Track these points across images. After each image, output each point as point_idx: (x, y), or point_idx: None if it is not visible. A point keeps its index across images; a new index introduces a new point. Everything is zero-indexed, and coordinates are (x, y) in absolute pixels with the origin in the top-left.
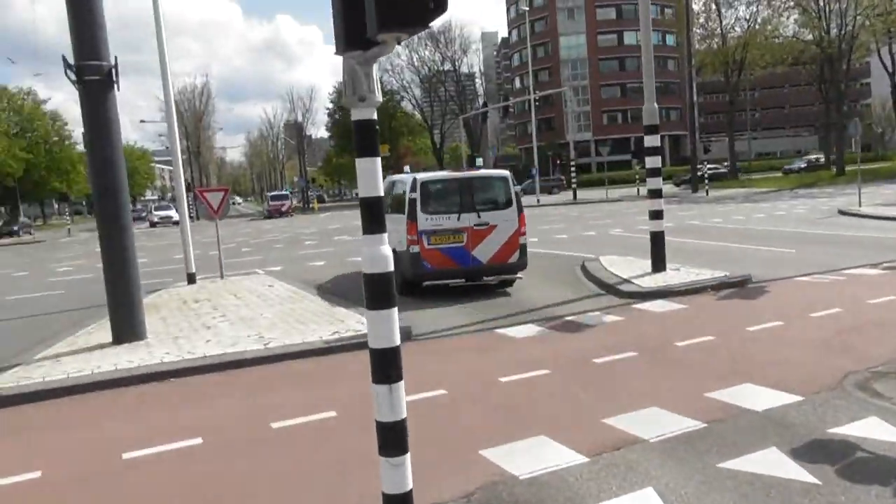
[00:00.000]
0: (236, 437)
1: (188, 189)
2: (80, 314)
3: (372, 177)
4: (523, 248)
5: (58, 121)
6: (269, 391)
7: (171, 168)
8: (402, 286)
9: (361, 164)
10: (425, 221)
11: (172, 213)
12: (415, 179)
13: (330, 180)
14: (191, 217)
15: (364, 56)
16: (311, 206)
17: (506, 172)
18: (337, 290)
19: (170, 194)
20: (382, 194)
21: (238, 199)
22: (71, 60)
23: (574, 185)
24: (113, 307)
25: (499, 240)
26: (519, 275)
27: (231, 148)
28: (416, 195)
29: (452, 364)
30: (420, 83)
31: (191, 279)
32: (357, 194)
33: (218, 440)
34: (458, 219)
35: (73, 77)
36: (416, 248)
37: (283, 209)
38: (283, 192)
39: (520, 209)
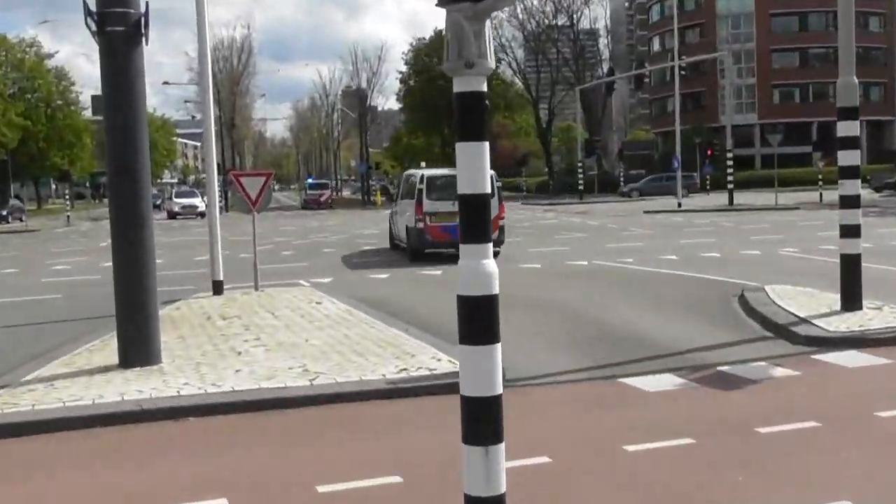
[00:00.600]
0: (271, 502)
1: (220, 172)
2: (80, 326)
3: (478, 167)
4: (502, 228)
5: (63, 80)
6: (316, 443)
7: (196, 144)
8: (410, 254)
9: (464, 149)
10: (429, 205)
11: (198, 201)
12: (423, 175)
13: (398, 165)
14: (220, 208)
15: (475, 9)
16: (371, 198)
17: (490, 171)
18: (405, 313)
19: (193, 177)
20: (489, 190)
21: (275, 186)
22: (93, 6)
23: (730, 185)
24: (122, 320)
25: None
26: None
27: (273, 120)
28: (423, 186)
29: (558, 421)
30: (524, 41)
31: (217, 288)
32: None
33: None
34: (454, 204)
35: (94, 27)
36: (421, 224)
37: (322, 199)
38: (323, 181)
39: (500, 199)
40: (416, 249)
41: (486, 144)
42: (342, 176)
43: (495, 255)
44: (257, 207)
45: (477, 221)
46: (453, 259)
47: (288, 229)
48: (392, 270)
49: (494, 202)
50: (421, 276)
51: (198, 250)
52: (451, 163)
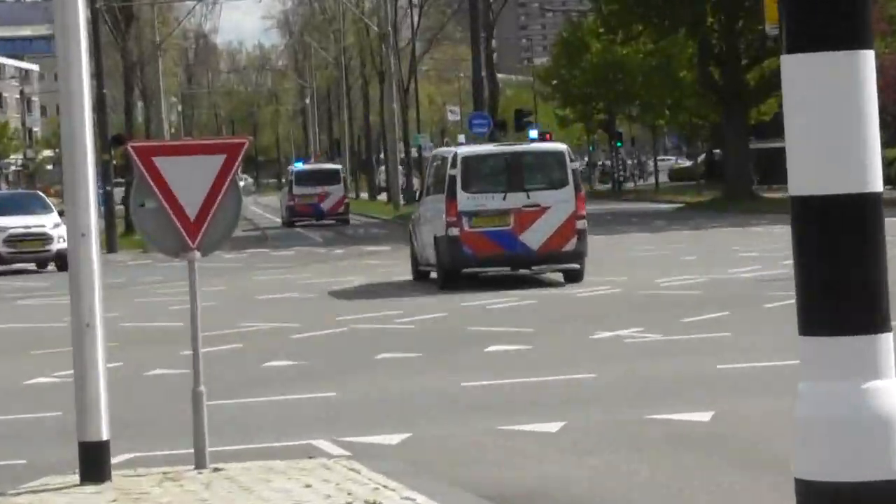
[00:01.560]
0: None
1: (116, 143)
2: None
3: (850, 122)
4: (581, 233)
5: None
6: None
7: (34, 69)
8: (443, 278)
9: (810, 67)
10: (467, 201)
11: (42, 220)
12: (457, 153)
13: (572, 112)
14: (103, 239)
15: None
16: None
17: (561, 146)
18: None
19: (23, 157)
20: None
21: (247, 180)
22: None
23: None
24: None
25: (551, 223)
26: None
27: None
28: (458, 171)
29: None
30: None
31: (93, 466)
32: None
33: None
34: (504, 199)
35: None
36: (455, 231)
37: (325, 206)
38: (331, 167)
39: (577, 188)
40: (448, 271)
41: (871, 55)
42: (403, 153)
43: (574, 276)
44: (201, 243)
45: (844, 267)
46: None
47: (277, 298)
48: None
49: (568, 193)
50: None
51: (39, 362)
52: (718, 108)
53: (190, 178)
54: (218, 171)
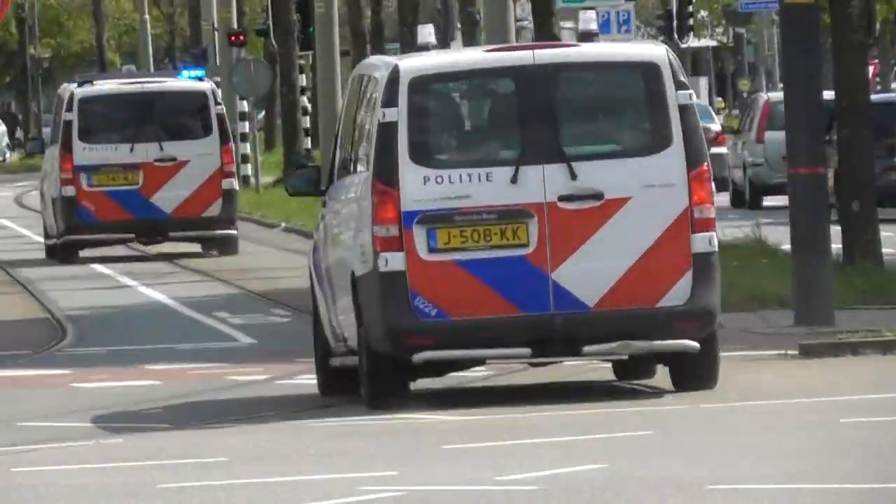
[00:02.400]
0: None
1: None
2: None
3: None
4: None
5: None
6: None
7: None
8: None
9: None
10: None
11: None
12: (396, 67)
13: None
14: None
15: None
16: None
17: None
18: None
19: None
20: None
21: None
22: None
23: None
24: None
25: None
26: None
27: None
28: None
29: None
30: None
31: None
32: None
33: None
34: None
35: None
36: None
37: (170, 206)
38: (185, 86)
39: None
40: (384, 363)
41: None
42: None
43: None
44: None
45: None
46: None
47: None
48: None
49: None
50: None
51: None
52: None
53: None
54: None
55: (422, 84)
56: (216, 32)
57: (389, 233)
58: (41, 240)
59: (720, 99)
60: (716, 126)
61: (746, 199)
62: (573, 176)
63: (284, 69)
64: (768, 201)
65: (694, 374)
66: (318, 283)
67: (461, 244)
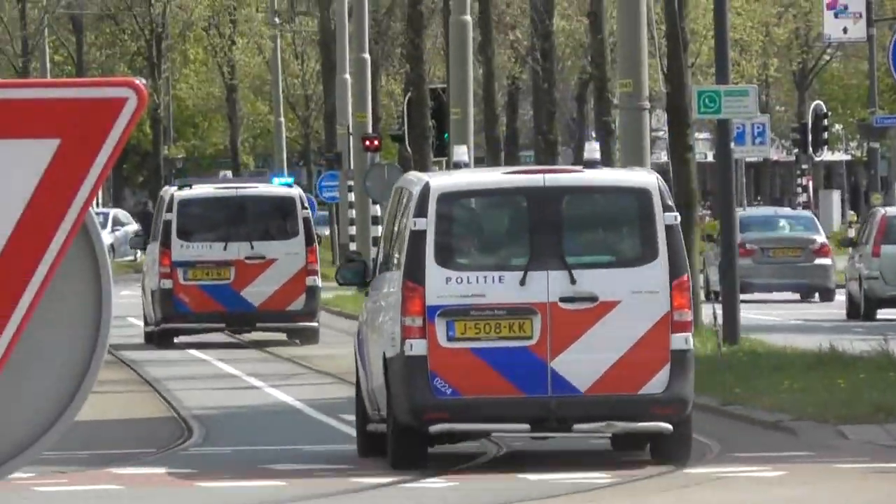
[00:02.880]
0: None
1: None
2: None
3: None
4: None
5: None
6: None
7: None
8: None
9: None
10: (436, 277)
11: None
12: (427, 185)
13: None
14: None
15: None
16: None
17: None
18: None
19: None
20: None
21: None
22: None
23: None
24: None
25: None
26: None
27: None
28: (430, 220)
29: None
30: None
31: None
32: None
33: None
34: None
35: None
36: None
37: (258, 300)
38: (274, 192)
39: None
40: (406, 432)
41: None
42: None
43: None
44: None
45: None
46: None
47: None
48: None
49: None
50: None
51: None
52: None
53: None
54: (33, 192)
55: (448, 199)
56: (350, 136)
57: (415, 323)
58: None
59: (853, 213)
60: (820, 237)
61: (861, 312)
62: (573, 281)
63: None
64: (882, 314)
65: (669, 451)
66: (360, 360)
67: (475, 334)
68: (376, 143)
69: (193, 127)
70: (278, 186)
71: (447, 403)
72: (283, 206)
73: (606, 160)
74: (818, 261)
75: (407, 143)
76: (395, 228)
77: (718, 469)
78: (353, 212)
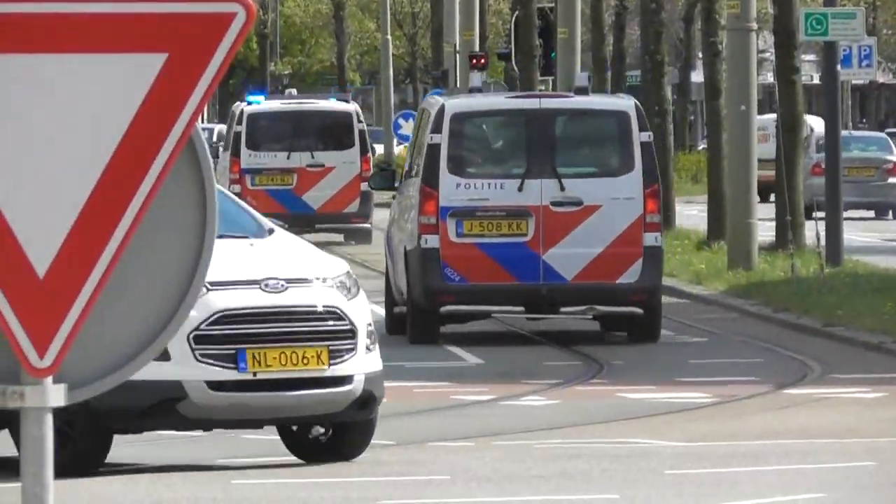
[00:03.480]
0: None
1: None
2: None
3: None
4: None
5: None
6: None
7: None
8: (411, 331)
9: None
10: (448, 185)
11: None
12: (444, 106)
13: None
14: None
15: None
16: None
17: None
18: None
19: None
20: None
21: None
22: None
23: None
24: None
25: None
26: None
27: None
28: (443, 134)
29: None
30: None
31: None
32: None
33: None
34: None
35: None
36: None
37: (317, 203)
38: (332, 107)
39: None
40: (421, 312)
41: None
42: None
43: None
44: (62, 360)
45: None
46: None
47: None
48: None
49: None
50: None
51: None
52: None
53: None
54: (140, 106)
55: (459, 118)
56: (457, 55)
57: (430, 221)
58: None
59: None
60: (893, 157)
61: None
62: (562, 188)
63: None
64: None
65: (641, 331)
66: (388, 251)
67: (480, 231)
68: (483, 61)
69: (300, 43)
70: (336, 102)
71: (456, 288)
72: (341, 120)
73: (713, 81)
74: (891, 179)
75: (514, 61)
76: (418, 142)
77: (819, 390)
78: None
